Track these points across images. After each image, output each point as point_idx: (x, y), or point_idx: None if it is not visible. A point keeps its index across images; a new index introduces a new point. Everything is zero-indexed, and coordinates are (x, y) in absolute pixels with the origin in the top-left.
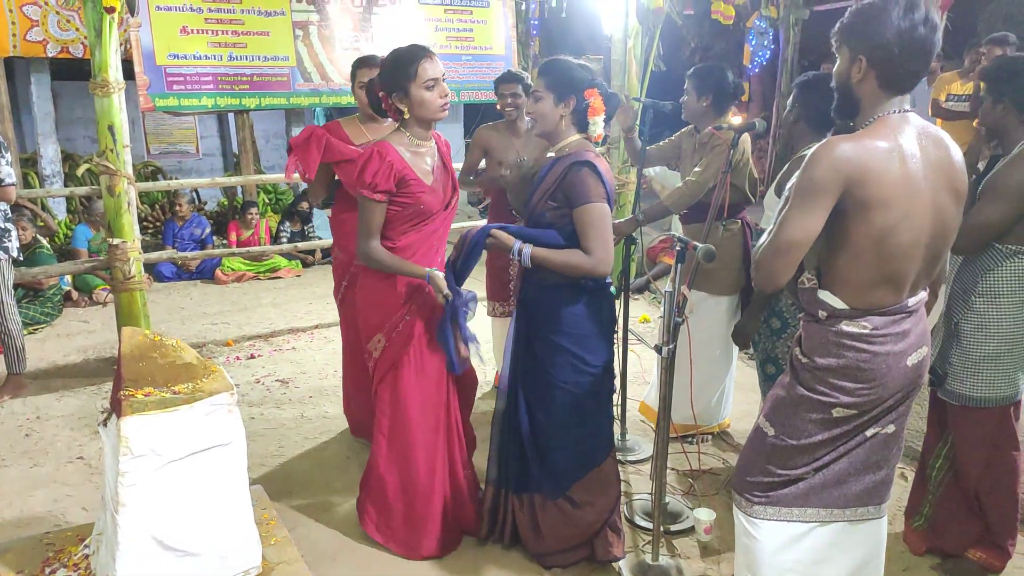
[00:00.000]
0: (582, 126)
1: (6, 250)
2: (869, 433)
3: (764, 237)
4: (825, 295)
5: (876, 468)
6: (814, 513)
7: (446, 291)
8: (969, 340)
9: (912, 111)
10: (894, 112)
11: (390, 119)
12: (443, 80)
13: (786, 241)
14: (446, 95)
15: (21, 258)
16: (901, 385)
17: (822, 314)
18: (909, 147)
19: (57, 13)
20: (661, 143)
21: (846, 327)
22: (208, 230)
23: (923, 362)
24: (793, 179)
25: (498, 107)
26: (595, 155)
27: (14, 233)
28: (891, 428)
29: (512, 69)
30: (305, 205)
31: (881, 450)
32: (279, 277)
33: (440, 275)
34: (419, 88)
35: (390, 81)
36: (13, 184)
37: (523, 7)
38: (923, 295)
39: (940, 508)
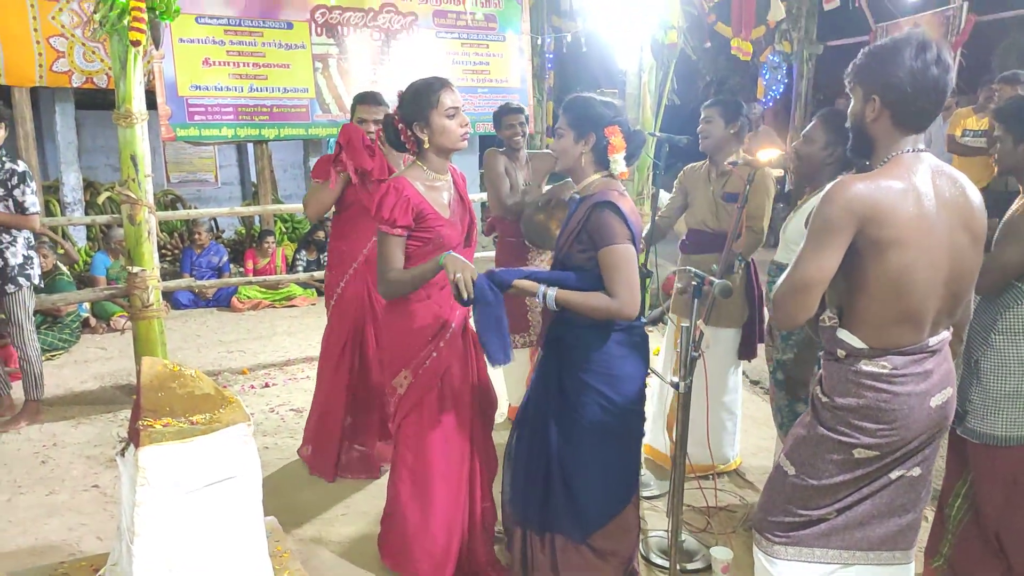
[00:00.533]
0: (603, 163)
1: (28, 277)
2: (894, 476)
3: (782, 276)
4: (844, 334)
5: (902, 511)
6: (836, 554)
7: (460, 274)
8: (989, 378)
9: (927, 150)
10: (908, 151)
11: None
12: (462, 111)
13: (801, 280)
14: (466, 125)
15: (41, 285)
16: (925, 427)
17: (841, 353)
18: (923, 186)
19: (83, 45)
20: (668, 205)
21: (865, 367)
22: (225, 258)
23: (948, 403)
24: None
25: (506, 136)
26: (619, 195)
27: (36, 261)
28: (917, 471)
29: (509, 102)
30: (321, 234)
31: (907, 493)
32: (294, 306)
33: (454, 255)
34: (440, 116)
35: (411, 111)
36: (37, 213)
37: (538, 41)
38: (945, 335)
39: (960, 548)
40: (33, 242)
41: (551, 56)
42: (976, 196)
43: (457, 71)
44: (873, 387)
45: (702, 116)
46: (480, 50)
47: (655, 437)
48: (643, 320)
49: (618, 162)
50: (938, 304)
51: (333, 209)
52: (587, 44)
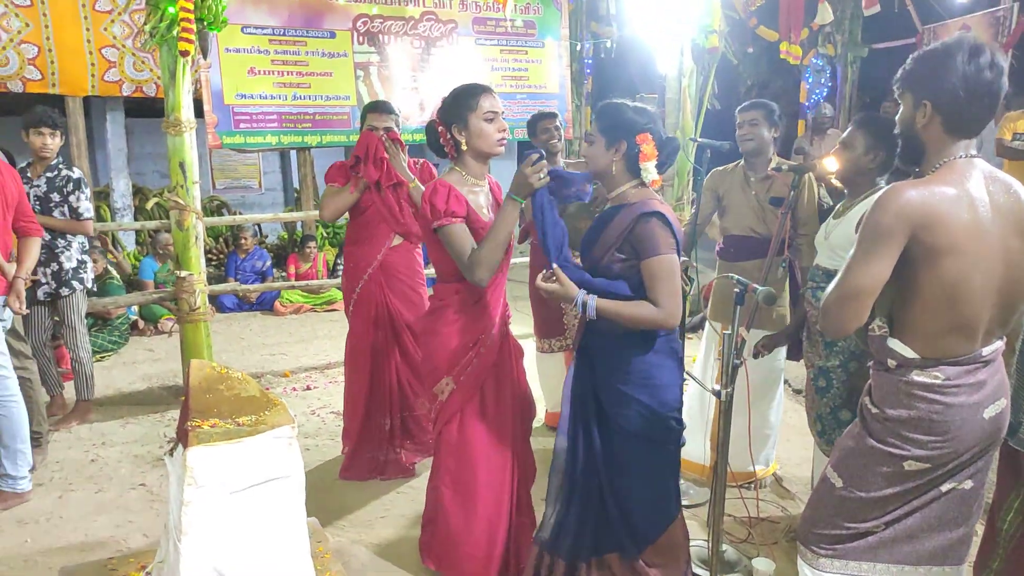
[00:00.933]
0: (635, 171)
1: (82, 281)
2: (944, 488)
3: (832, 283)
4: (895, 343)
5: (953, 525)
6: (884, 569)
7: (537, 174)
8: None
9: (978, 156)
10: (961, 157)
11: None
12: (502, 117)
13: (853, 288)
14: (504, 130)
15: (94, 288)
16: (978, 439)
17: (891, 363)
18: (977, 192)
19: (133, 55)
20: (700, 211)
21: (917, 377)
22: (269, 263)
23: (1002, 415)
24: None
25: (542, 141)
26: (660, 202)
27: (89, 265)
28: (969, 484)
29: (540, 110)
30: None
31: (959, 507)
32: (335, 310)
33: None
34: (479, 119)
35: (451, 113)
36: (91, 218)
37: (577, 47)
38: (999, 345)
39: (1011, 563)
40: (87, 247)
41: (589, 61)
42: None
43: (496, 77)
44: (925, 398)
45: (744, 119)
46: (519, 56)
47: (692, 448)
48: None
49: (649, 170)
50: (991, 313)
51: (347, 215)
52: (623, 50)
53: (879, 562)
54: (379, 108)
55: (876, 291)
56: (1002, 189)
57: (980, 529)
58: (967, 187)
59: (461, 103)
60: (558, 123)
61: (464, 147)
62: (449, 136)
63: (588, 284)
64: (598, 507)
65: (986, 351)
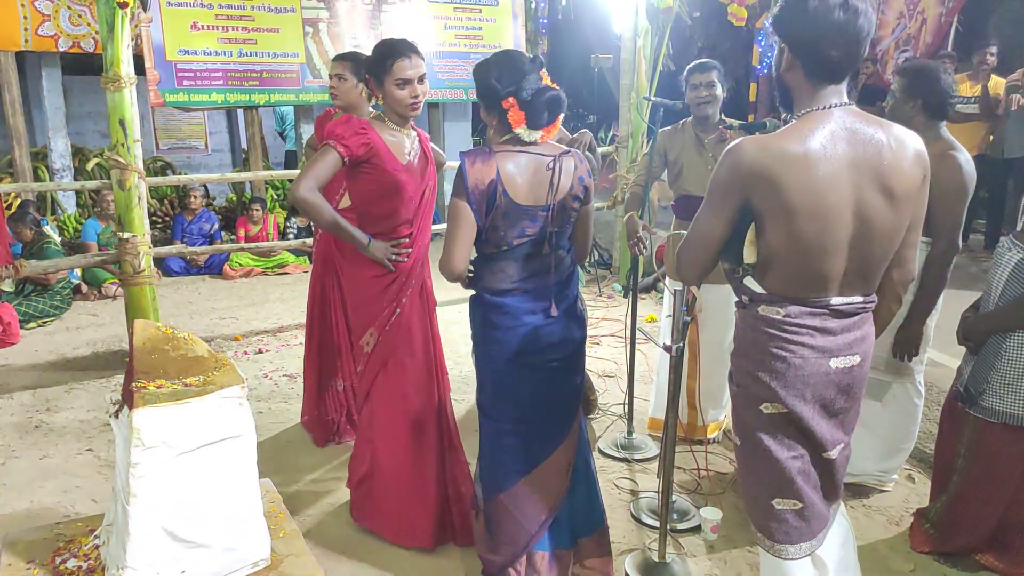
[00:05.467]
0: (510, 131)
1: None
2: (833, 455)
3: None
4: (749, 281)
5: (842, 471)
6: (821, 537)
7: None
8: (1011, 355)
9: (845, 104)
10: (819, 108)
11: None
12: (419, 81)
13: (694, 237)
14: (416, 96)
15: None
16: (825, 387)
17: (745, 299)
18: (824, 148)
19: (69, 8)
20: (640, 172)
21: (762, 312)
22: (217, 225)
23: (852, 371)
24: None
25: None
26: (486, 152)
27: None
28: (846, 449)
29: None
30: None
31: (844, 465)
32: (286, 273)
33: (378, 244)
34: (391, 84)
35: (371, 68)
36: None
37: (532, 5)
38: (856, 300)
39: (948, 513)
40: None
41: (545, 21)
42: (905, 152)
43: (449, 36)
44: (768, 333)
45: (701, 80)
46: (473, 15)
47: (658, 408)
48: (499, 299)
49: (521, 135)
50: (843, 265)
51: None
52: (578, 9)
53: (818, 531)
54: (346, 57)
55: (716, 243)
56: (863, 140)
57: (918, 477)
58: (812, 143)
59: (377, 64)
60: None
61: (380, 101)
62: (373, 87)
63: None
64: None
65: (836, 301)
